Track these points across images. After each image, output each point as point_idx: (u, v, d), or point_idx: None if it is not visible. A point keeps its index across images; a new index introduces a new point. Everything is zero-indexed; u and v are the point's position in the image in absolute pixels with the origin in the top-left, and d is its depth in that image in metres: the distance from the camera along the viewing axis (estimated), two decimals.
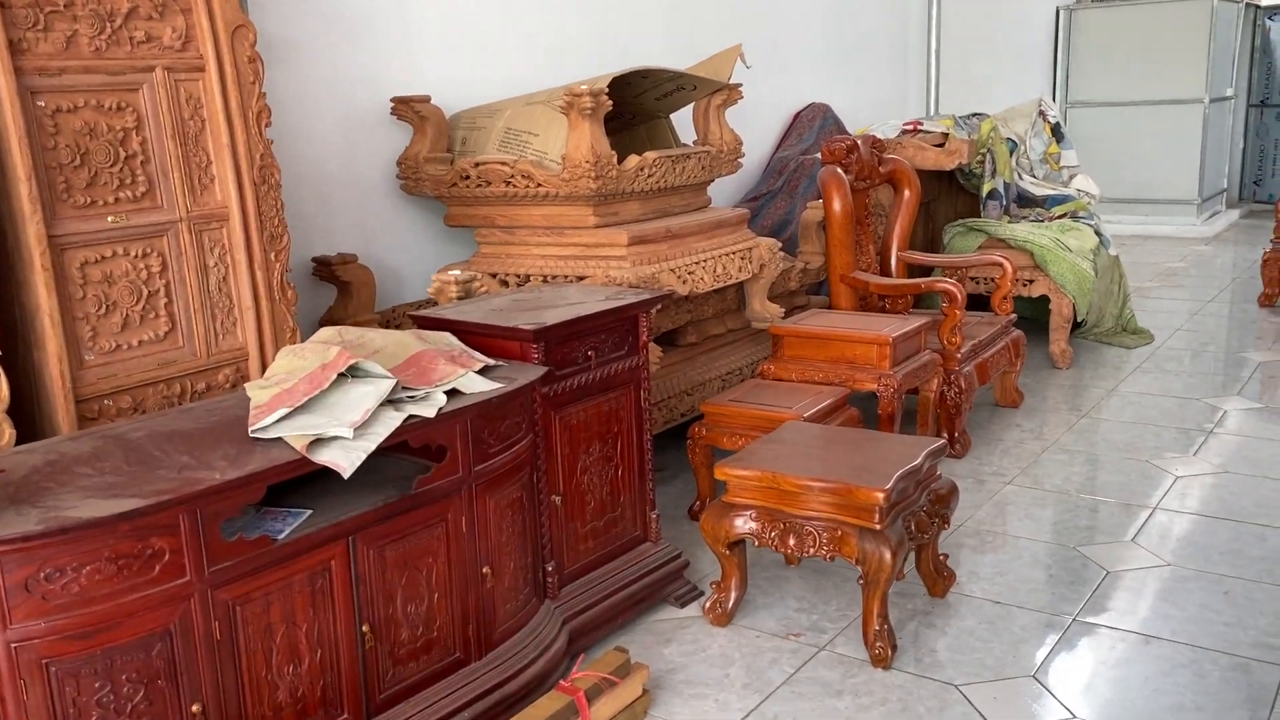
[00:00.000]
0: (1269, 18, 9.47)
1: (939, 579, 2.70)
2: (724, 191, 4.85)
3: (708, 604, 2.65)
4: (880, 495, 2.31)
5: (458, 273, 2.72)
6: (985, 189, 4.94)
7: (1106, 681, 2.33)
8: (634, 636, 2.57)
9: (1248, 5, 9.43)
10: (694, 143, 3.70)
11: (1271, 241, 5.83)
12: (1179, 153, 8.39)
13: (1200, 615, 2.57)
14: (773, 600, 2.73)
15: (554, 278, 3.24)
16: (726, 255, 3.46)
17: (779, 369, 3.46)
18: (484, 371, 2.17)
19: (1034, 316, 5.12)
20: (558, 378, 2.37)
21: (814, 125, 5.44)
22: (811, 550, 2.42)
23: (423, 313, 2.50)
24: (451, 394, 2.04)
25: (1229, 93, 9.02)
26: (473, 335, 2.34)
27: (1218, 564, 2.83)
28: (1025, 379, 4.45)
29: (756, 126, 5.40)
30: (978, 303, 4.71)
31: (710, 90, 3.59)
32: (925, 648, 2.48)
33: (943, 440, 2.65)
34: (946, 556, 2.77)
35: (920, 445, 2.57)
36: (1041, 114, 5.40)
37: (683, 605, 2.71)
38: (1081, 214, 5.10)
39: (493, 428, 2.14)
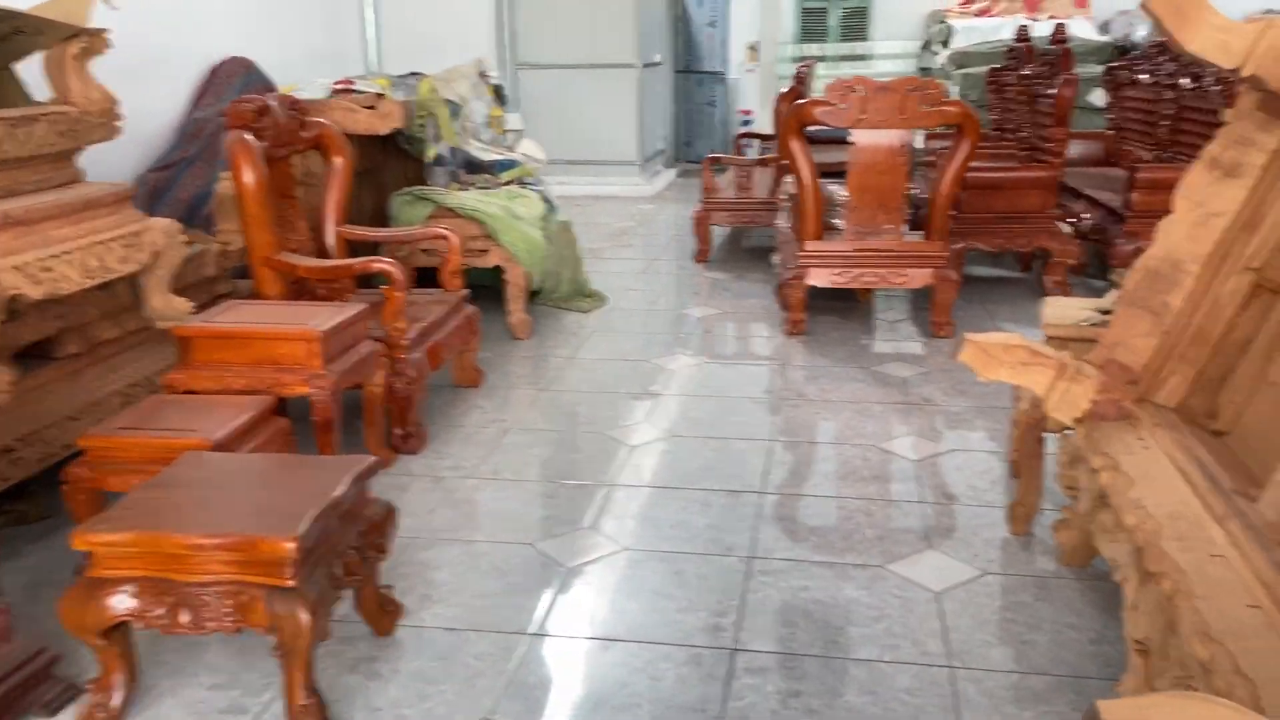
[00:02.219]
0: None
1: (383, 615, 2.33)
2: (121, 161, 4.03)
3: (86, 709, 2.04)
4: (290, 546, 1.87)
5: None
6: (429, 154, 4.63)
7: (566, 709, 2.12)
8: None
9: None
10: (51, 102, 2.92)
11: (701, 201, 6.23)
12: (619, 116, 8.80)
13: (654, 604, 2.48)
14: (182, 680, 2.18)
15: None
16: (103, 243, 2.76)
17: (190, 379, 2.87)
18: None
19: (495, 285, 4.95)
20: None
21: (233, 83, 4.75)
22: (212, 624, 1.92)
23: None
24: None
25: (658, 59, 9.67)
26: None
27: (669, 540, 2.78)
28: (485, 354, 4.25)
29: (167, 82, 4.60)
30: (432, 278, 4.41)
31: (62, 36, 2.83)
32: (368, 706, 2.11)
33: (373, 459, 2.26)
34: (390, 588, 2.41)
35: (344, 469, 2.16)
36: (483, 75, 5.21)
37: (54, 713, 2.07)
38: (529, 179, 5.00)
39: None
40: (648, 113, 9.17)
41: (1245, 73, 1.99)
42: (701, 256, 6.21)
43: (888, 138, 4.42)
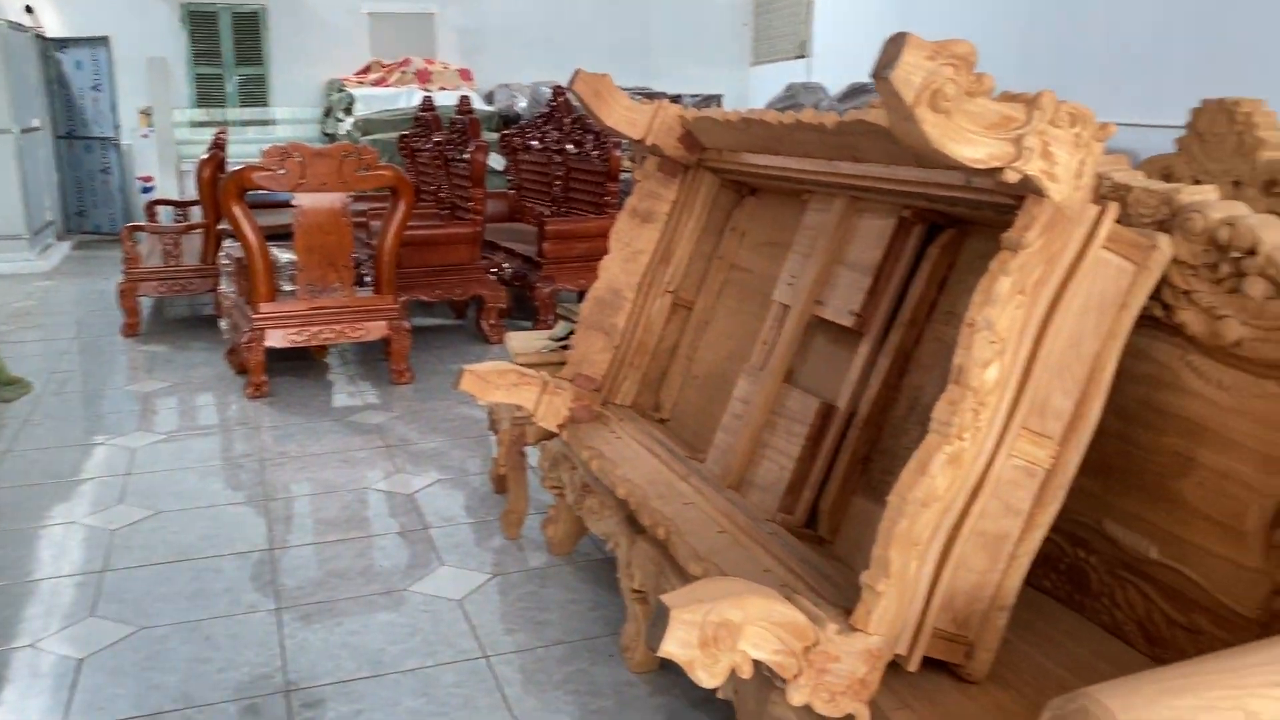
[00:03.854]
0: (59, 50, 9.49)
1: None
2: None
3: None
4: None
5: None
6: None
7: None
8: None
9: (38, 36, 9.30)
10: None
11: (124, 272, 5.88)
12: (0, 186, 7.88)
13: (193, 671, 2.45)
14: None
15: None
16: None
17: None
18: None
19: None
20: None
21: None
22: None
23: None
24: None
25: (36, 124, 8.81)
26: None
27: (189, 610, 2.73)
28: None
29: None
30: None
31: None
32: None
33: None
34: None
35: None
36: None
37: None
38: None
39: None
40: (32, 182, 8.31)
41: (648, 142, 2.59)
42: (131, 330, 5.87)
43: (329, 200, 4.65)
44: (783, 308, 2.23)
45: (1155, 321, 1.62)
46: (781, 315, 2.22)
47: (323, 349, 5.30)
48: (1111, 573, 1.71)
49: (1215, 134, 1.97)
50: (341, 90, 10.16)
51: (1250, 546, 1.47)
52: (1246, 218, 1.48)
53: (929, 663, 1.57)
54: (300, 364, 5.16)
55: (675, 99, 10.59)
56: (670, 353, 2.73)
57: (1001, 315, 1.41)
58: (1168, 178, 2.10)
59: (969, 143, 1.35)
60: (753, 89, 11.72)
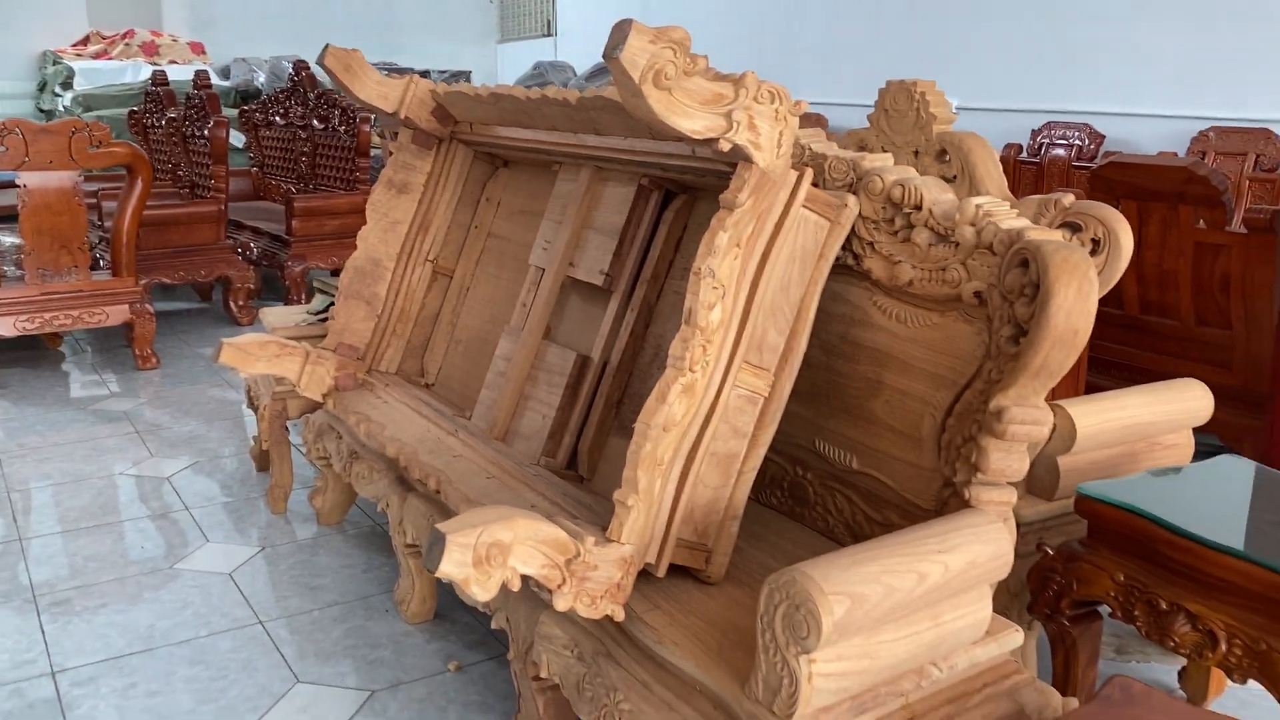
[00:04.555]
0: None
1: None
2: None
3: None
4: None
5: None
6: None
7: None
8: None
9: None
10: None
11: None
12: None
13: None
14: None
15: None
16: None
17: None
18: None
19: None
20: None
21: None
22: None
23: None
24: None
25: None
26: None
27: None
28: None
29: None
30: None
31: None
32: None
33: None
34: None
35: None
36: None
37: None
38: None
39: None
40: None
41: (401, 116, 2.69)
42: None
43: (58, 179, 4.41)
44: (539, 271, 2.41)
45: (848, 269, 1.92)
46: (538, 278, 2.40)
47: (57, 337, 5.01)
48: (824, 485, 2.00)
49: (898, 110, 2.31)
50: (58, 63, 9.43)
51: (925, 450, 1.79)
52: (914, 179, 1.80)
53: (675, 570, 1.80)
54: (32, 354, 4.86)
55: (423, 75, 10.55)
56: (433, 319, 2.85)
57: (722, 264, 1.65)
58: (863, 148, 2.43)
59: (688, 116, 1.57)
60: (502, 66, 11.83)
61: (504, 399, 2.34)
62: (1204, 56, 5.22)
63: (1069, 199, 1.91)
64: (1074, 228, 1.88)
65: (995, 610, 2.07)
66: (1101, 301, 3.95)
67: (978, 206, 1.69)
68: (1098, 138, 5.58)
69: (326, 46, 2.61)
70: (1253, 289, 3.10)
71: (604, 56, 1.50)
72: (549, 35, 11.07)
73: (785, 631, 1.41)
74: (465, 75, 10.76)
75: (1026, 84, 6.04)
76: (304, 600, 2.69)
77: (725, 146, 1.60)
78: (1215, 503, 1.89)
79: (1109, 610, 1.88)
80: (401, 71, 10.36)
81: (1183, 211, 3.19)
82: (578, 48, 10.41)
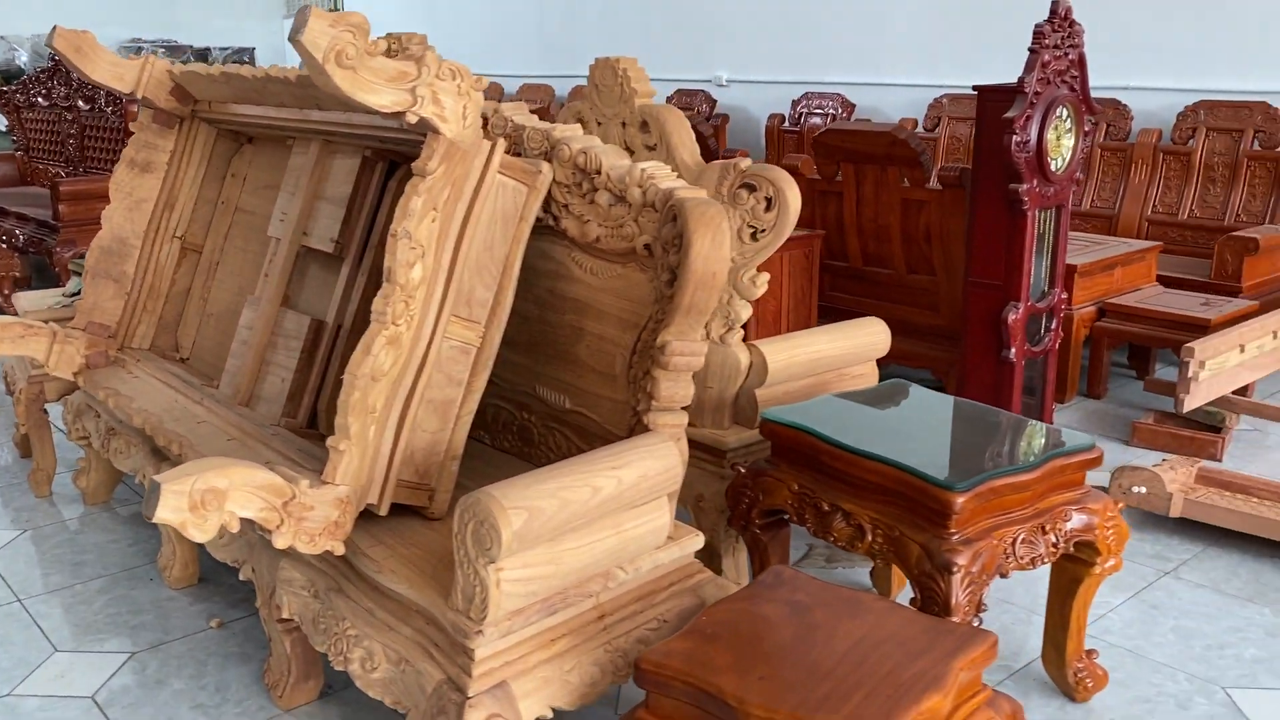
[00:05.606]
0: None
1: None
2: None
3: None
4: None
5: None
6: None
7: None
8: None
9: None
10: None
11: None
12: None
13: None
14: None
15: None
16: None
17: None
18: None
19: None
20: None
21: None
22: None
23: None
24: None
25: None
26: None
27: None
28: None
29: None
30: None
31: None
32: None
33: None
34: None
35: None
36: None
37: None
38: None
39: None
40: None
41: (139, 96, 2.74)
42: None
43: None
44: (276, 241, 2.52)
45: (550, 229, 2.13)
46: (275, 248, 2.51)
47: None
48: (545, 425, 2.22)
49: (606, 85, 2.53)
50: None
51: (619, 386, 2.02)
52: (596, 146, 2.02)
53: (403, 508, 1.98)
54: None
55: (204, 53, 10.17)
56: (185, 295, 2.91)
57: (419, 227, 1.82)
58: (581, 120, 2.64)
59: (375, 92, 1.73)
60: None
61: (247, 366, 2.45)
62: (938, 30, 5.72)
63: (745, 163, 2.18)
64: (750, 188, 2.15)
65: (706, 526, 2.35)
66: (830, 255, 4.46)
67: (642, 170, 1.93)
68: (849, 106, 6.02)
69: (54, 28, 2.62)
70: (949, 239, 3.51)
71: (289, 39, 1.65)
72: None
73: (474, 545, 1.61)
74: (249, 53, 10.47)
75: (788, 57, 6.43)
76: (66, 576, 2.73)
77: (412, 119, 1.77)
78: (871, 419, 2.21)
79: (788, 516, 2.18)
80: (179, 50, 9.99)
81: (890, 172, 3.57)
82: None
